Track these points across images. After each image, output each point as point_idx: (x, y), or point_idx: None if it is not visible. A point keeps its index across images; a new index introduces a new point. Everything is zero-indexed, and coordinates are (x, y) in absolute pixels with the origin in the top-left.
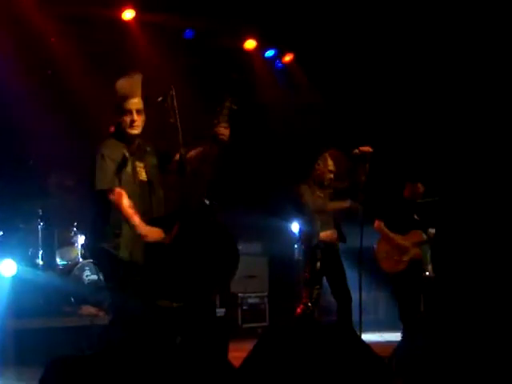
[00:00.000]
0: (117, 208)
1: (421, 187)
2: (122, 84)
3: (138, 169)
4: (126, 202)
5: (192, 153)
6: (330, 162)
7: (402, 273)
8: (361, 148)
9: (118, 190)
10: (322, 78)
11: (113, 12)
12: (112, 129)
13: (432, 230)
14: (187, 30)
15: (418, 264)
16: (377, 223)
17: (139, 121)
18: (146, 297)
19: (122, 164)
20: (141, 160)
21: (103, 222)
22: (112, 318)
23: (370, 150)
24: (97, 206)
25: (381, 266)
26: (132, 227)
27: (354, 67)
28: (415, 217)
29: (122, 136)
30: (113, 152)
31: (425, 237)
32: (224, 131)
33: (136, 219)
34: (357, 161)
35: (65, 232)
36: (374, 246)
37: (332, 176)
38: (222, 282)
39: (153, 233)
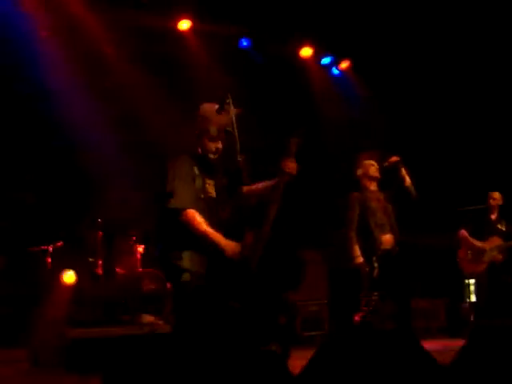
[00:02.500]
0: (190, 229)
1: (498, 196)
2: (212, 110)
3: (207, 185)
4: (199, 219)
5: (260, 186)
6: (372, 168)
7: (482, 275)
8: (389, 160)
9: (190, 211)
10: (380, 85)
11: (169, 22)
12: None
13: None
14: (243, 39)
15: (498, 268)
16: (462, 232)
17: (221, 148)
18: (214, 301)
19: (192, 181)
20: (211, 177)
21: (168, 236)
22: (176, 327)
23: (398, 158)
24: (164, 220)
25: (463, 270)
26: (214, 245)
27: (412, 72)
28: (499, 226)
29: (199, 157)
30: (186, 170)
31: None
32: (292, 166)
33: (217, 236)
34: (391, 172)
35: (124, 241)
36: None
37: (377, 174)
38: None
39: (235, 248)
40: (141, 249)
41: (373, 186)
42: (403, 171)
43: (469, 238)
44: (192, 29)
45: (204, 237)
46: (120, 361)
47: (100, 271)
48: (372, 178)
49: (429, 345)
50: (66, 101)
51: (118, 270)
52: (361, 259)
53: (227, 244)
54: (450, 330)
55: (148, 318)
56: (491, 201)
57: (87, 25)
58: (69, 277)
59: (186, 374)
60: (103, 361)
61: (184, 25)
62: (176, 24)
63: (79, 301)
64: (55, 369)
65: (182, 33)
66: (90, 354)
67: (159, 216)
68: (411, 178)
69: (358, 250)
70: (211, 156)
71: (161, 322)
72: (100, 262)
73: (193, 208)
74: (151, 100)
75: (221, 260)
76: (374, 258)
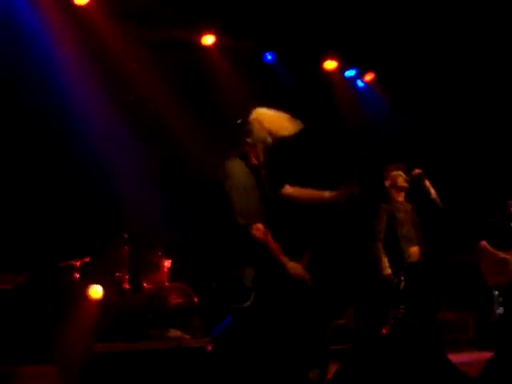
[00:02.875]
0: (260, 243)
1: None
2: (284, 124)
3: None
4: (269, 237)
5: (307, 192)
6: (400, 179)
7: (508, 285)
8: (412, 173)
9: (259, 225)
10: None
11: (193, 37)
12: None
13: None
14: (267, 53)
15: None
16: (483, 243)
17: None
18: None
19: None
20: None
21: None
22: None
23: (420, 171)
24: (227, 236)
25: (488, 282)
26: (281, 265)
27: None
28: None
29: (252, 165)
30: (246, 179)
31: None
32: (355, 188)
33: (285, 259)
34: (415, 184)
35: (151, 256)
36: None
37: (404, 184)
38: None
39: (301, 271)
40: (168, 263)
41: (401, 197)
42: (427, 183)
43: (490, 248)
44: (216, 44)
45: (272, 254)
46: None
47: (127, 286)
48: (400, 189)
49: (457, 357)
50: (94, 116)
51: (144, 284)
52: (389, 271)
53: (293, 265)
54: (478, 343)
55: (175, 333)
56: (511, 209)
57: (111, 40)
58: (96, 292)
59: None
60: (129, 375)
61: (208, 39)
62: (200, 39)
63: (106, 315)
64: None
65: (206, 47)
66: (117, 369)
67: (219, 232)
68: (436, 189)
69: (386, 262)
70: (254, 162)
71: (188, 337)
72: (127, 277)
73: (259, 221)
74: (177, 115)
75: (281, 278)
76: (401, 272)
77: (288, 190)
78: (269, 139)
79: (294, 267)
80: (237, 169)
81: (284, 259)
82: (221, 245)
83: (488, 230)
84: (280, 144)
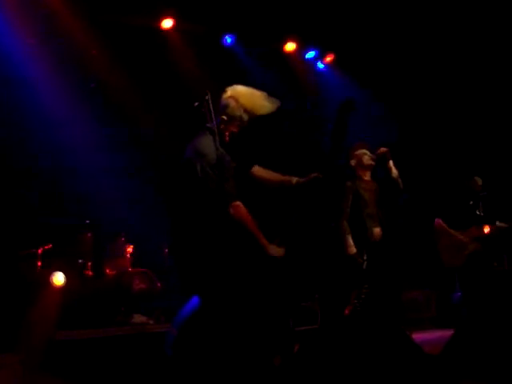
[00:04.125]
0: (240, 222)
1: (479, 180)
2: (261, 102)
3: (231, 168)
4: (249, 216)
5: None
6: (365, 157)
7: (464, 267)
8: (377, 151)
9: (238, 203)
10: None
11: (152, 21)
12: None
13: (501, 224)
14: (226, 36)
15: (480, 257)
16: (437, 221)
17: None
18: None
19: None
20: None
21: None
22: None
23: (386, 149)
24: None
25: (443, 261)
26: (260, 245)
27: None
28: (478, 212)
29: (225, 142)
30: (222, 156)
31: (487, 231)
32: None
33: (264, 240)
34: (379, 163)
35: (114, 242)
36: (435, 238)
37: (370, 162)
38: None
39: (280, 253)
40: (130, 249)
41: (366, 176)
42: (390, 163)
43: (446, 227)
44: (175, 27)
45: (251, 232)
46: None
47: (90, 272)
48: (366, 167)
49: (420, 336)
50: (49, 102)
51: (107, 270)
52: (354, 249)
53: (273, 247)
54: (440, 321)
55: (139, 318)
56: (474, 187)
57: (70, 26)
58: (58, 279)
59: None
60: (93, 362)
61: (167, 23)
62: (159, 23)
63: (69, 302)
64: (45, 372)
65: (165, 31)
66: (80, 356)
67: (191, 212)
68: (398, 169)
69: (350, 240)
70: (227, 139)
71: (152, 322)
72: (89, 263)
73: (237, 199)
74: (137, 99)
75: (258, 259)
76: (365, 250)
77: (257, 170)
78: (245, 116)
79: (273, 248)
80: (208, 145)
81: (264, 241)
82: (192, 226)
83: (446, 209)
84: (251, 126)
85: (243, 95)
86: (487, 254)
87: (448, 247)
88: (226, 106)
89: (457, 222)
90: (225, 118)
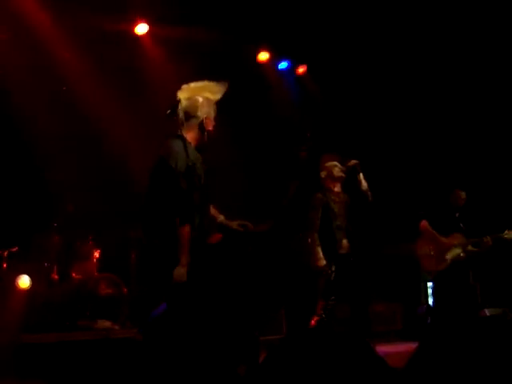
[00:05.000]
0: (179, 240)
1: (462, 194)
2: (214, 88)
3: (202, 172)
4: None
5: None
6: (336, 169)
7: (444, 273)
8: (348, 164)
9: (187, 227)
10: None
11: (126, 27)
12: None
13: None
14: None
15: (461, 266)
16: (424, 223)
17: None
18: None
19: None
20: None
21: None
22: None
23: (356, 162)
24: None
25: (422, 265)
26: (179, 260)
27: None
28: (461, 225)
29: (204, 139)
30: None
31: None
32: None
33: (185, 260)
34: (350, 174)
35: (80, 246)
36: (415, 243)
37: (341, 174)
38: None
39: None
40: (97, 253)
41: (337, 188)
42: (361, 175)
43: (432, 230)
44: (149, 33)
45: (181, 248)
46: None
47: (56, 276)
48: (336, 179)
49: (385, 349)
50: (22, 104)
51: (73, 274)
52: (323, 262)
53: (178, 269)
54: (406, 334)
55: (104, 324)
56: (458, 200)
57: (44, 29)
58: (24, 282)
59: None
60: (57, 366)
61: (141, 28)
62: (133, 28)
63: (34, 306)
64: (8, 374)
65: (139, 37)
66: (44, 360)
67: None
68: (368, 182)
69: (320, 252)
70: (208, 137)
71: (117, 327)
72: (56, 267)
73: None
74: (109, 104)
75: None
76: (332, 262)
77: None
78: (215, 107)
79: (180, 272)
80: (180, 149)
81: (183, 259)
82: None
83: (428, 213)
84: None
85: (200, 89)
86: (467, 264)
87: (431, 250)
88: (197, 106)
89: (441, 230)
90: (205, 116)
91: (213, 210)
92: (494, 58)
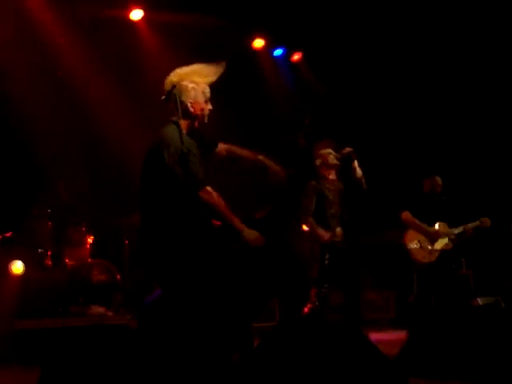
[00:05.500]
0: (210, 206)
1: (439, 180)
2: (208, 70)
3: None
4: (222, 201)
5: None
6: (330, 157)
7: (433, 265)
8: (342, 151)
9: (209, 188)
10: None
11: (121, 12)
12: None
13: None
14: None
15: (449, 256)
16: (404, 214)
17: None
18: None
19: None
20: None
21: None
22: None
23: (351, 149)
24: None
25: (412, 258)
26: (236, 231)
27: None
28: (442, 212)
29: (192, 127)
30: (189, 141)
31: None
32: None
33: (240, 224)
34: (345, 163)
35: (74, 232)
36: (403, 237)
37: (335, 162)
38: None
39: (258, 238)
40: (90, 239)
41: (331, 175)
42: (355, 163)
43: (416, 221)
44: (145, 19)
45: (225, 217)
46: (60, 352)
47: (49, 262)
48: (331, 167)
49: (378, 336)
50: (14, 88)
51: (67, 260)
52: (328, 235)
53: (250, 232)
54: (399, 322)
55: (97, 310)
56: (435, 186)
57: (38, 15)
58: (17, 267)
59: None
60: (51, 352)
61: (136, 14)
62: (128, 14)
63: (28, 291)
64: (2, 360)
65: (134, 23)
66: (37, 345)
67: (155, 200)
68: (362, 170)
69: (321, 230)
70: (205, 120)
71: (110, 314)
72: (49, 253)
73: (208, 184)
74: (103, 89)
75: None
76: (326, 250)
77: (222, 146)
78: (206, 90)
79: (251, 232)
80: (174, 136)
81: (240, 225)
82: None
83: (408, 202)
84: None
85: (191, 73)
86: (455, 253)
87: (420, 241)
88: (185, 90)
89: (423, 220)
90: (191, 100)
91: (248, 152)
92: (476, 51)
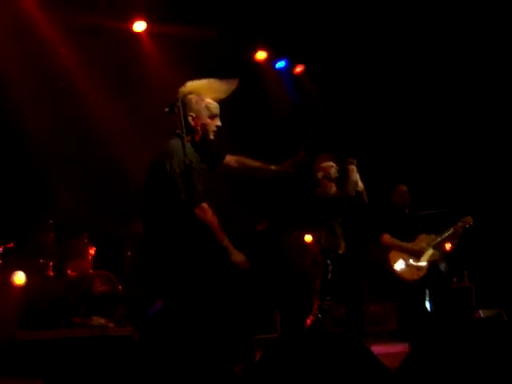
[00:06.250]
0: (204, 223)
1: (403, 187)
2: (219, 86)
3: (202, 172)
4: (215, 219)
5: (257, 164)
6: (332, 170)
7: (424, 278)
8: (347, 164)
9: (205, 205)
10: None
11: (124, 24)
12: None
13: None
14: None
15: (436, 266)
16: (384, 236)
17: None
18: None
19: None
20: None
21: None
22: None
23: (353, 161)
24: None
25: (403, 279)
26: (227, 252)
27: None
28: (419, 224)
29: (196, 142)
30: (189, 156)
31: (435, 239)
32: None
33: (229, 243)
34: (342, 176)
35: (76, 243)
36: (388, 259)
37: (337, 175)
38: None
39: (243, 261)
40: (92, 250)
41: (333, 188)
42: (357, 176)
43: (396, 241)
44: (147, 30)
45: (216, 236)
46: (65, 363)
47: (51, 273)
48: (333, 180)
49: (380, 348)
50: (18, 101)
51: (69, 271)
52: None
53: (237, 253)
54: (401, 334)
55: (99, 321)
56: (404, 196)
57: (40, 24)
58: (19, 278)
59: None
60: (52, 363)
61: (138, 26)
62: (131, 25)
63: (29, 302)
64: (4, 371)
65: (137, 34)
66: (39, 357)
67: (157, 211)
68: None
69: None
70: (211, 136)
71: (112, 325)
72: (51, 264)
73: (205, 201)
74: (106, 102)
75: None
76: (329, 262)
77: (231, 158)
78: (212, 105)
79: (238, 254)
80: (177, 148)
81: (228, 244)
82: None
83: (385, 223)
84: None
85: (200, 87)
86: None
87: (405, 260)
88: (190, 103)
89: (404, 238)
90: (193, 115)
91: (259, 163)
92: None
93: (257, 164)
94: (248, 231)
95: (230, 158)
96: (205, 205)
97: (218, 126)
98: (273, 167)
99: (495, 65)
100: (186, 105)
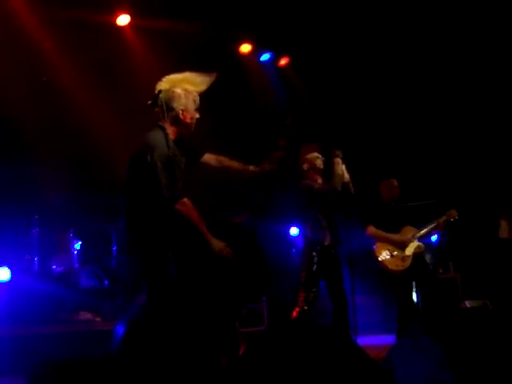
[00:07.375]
0: (186, 217)
1: (395, 182)
2: (197, 79)
3: (182, 165)
4: (196, 213)
5: (234, 163)
6: (318, 161)
7: (409, 269)
8: (333, 156)
9: (185, 200)
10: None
11: (108, 17)
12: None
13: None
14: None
15: (421, 258)
16: (369, 228)
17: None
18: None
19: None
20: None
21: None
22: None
23: (339, 152)
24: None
25: (387, 270)
26: (207, 241)
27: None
28: (404, 216)
29: (182, 132)
30: (172, 152)
31: (419, 231)
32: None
33: (209, 235)
34: (330, 166)
35: (61, 238)
36: (374, 250)
37: (322, 166)
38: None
39: (223, 249)
40: (77, 245)
41: (319, 180)
42: (343, 167)
43: (382, 232)
44: (131, 24)
45: (196, 227)
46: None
47: (36, 268)
48: (319, 171)
49: (367, 340)
50: (3, 95)
51: (54, 266)
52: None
53: (216, 241)
54: (389, 326)
55: (86, 316)
56: (393, 190)
57: (23, 20)
58: (3, 274)
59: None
60: (38, 359)
61: (122, 19)
62: (114, 19)
63: (15, 298)
64: None
65: (120, 28)
66: (25, 352)
67: (138, 205)
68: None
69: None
70: (192, 129)
71: (98, 319)
72: (36, 259)
73: (185, 195)
74: (91, 96)
75: (203, 253)
76: (315, 253)
77: (210, 156)
78: (197, 98)
79: (219, 245)
80: (159, 141)
81: (209, 236)
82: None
83: (370, 214)
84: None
85: (182, 80)
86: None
87: (390, 251)
88: (174, 96)
89: (389, 229)
90: (183, 108)
91: (237, 164)
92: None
93: (236, 165)
94: (228, 222)
95: (209, 157)
96: (185, 199)
97: (197, 118)
98: (252, 168)
99: (475, 58)
100: (174, 98)
